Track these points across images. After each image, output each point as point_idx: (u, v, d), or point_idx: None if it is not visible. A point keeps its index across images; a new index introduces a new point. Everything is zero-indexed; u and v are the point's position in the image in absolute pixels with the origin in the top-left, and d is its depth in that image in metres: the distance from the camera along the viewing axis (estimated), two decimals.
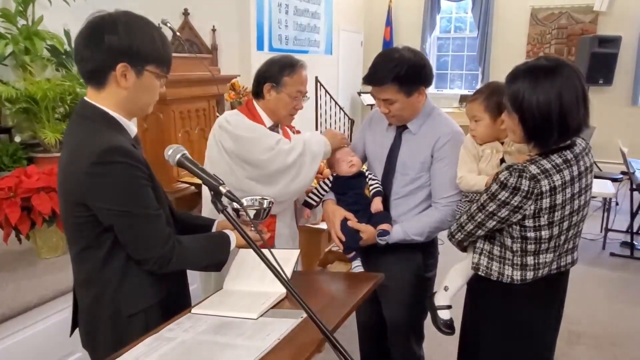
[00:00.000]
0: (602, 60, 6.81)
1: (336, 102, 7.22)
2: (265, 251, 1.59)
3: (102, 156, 1.22)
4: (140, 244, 1.30)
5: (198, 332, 1.24)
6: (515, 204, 1.47)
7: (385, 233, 1.82)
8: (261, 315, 1.30)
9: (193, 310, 1.37)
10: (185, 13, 5.82)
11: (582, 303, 3.61)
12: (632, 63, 7.23)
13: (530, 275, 1.58)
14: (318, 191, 2.02)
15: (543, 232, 1.52)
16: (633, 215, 4.58)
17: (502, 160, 1.77)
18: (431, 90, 9.27)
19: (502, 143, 1.82)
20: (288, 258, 1.52)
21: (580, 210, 1.59)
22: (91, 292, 1.37)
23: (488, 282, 1.63)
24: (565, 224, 1.55)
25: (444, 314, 1.80)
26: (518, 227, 1.53)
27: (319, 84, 6.75)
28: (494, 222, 1.54)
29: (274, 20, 6.30)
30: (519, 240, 1.55)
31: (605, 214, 4.80)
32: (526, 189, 1.44)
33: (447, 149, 1.85)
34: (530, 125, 1.47)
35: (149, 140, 3.53)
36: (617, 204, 5.35)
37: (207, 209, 1.99)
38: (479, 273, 1.64)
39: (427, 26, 8.47)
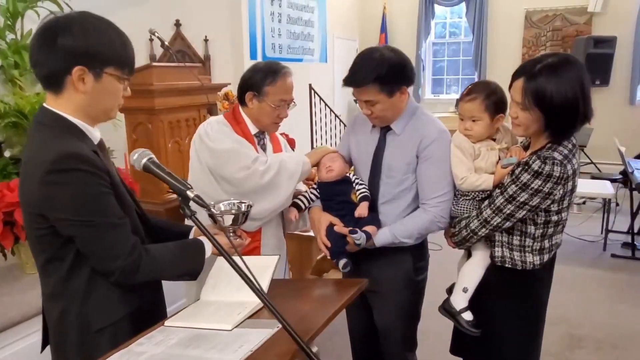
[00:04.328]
0: (598, 61, 6.77)
1: (331, 110, 7.19)
2: (237, 259, 1.56)
3: (57, 164, 1.17)
4: (103, 255, 1.25)
5: (169, 346, 1.19)
6: (547, 190, 1.54)
7: (354, 232, 1.76)
8: (236, 326, 1.24)
9: (166, 323, 1.32)
10: (177, 24, 5.82)
11: (583, 306, 3.54)
12: (628, 63, 7.19)
13: (546, 257, 1.68)
14: (308, 195, 1.97)
15: (563, 214, 1.64)
16: (633, 216, 4.51)
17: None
18: (428, 95, 9.29)
19: (493, 140, 1.80)
20: (267, 265, 1.47)
21: (576, 187, 1.67)
22: (58, 306, 1.31)
23: (507, 272, 1.68)
24: (572, 203, 1.68)
25: (467, 316, 1.77)
26: (543, 213, 1.61)
27: (312, 92, 6.72)
28: (524, 212, 1.59)
29: (267, 29, 6.29)
30: (542, 225, 1.63)
31: (605, 215, 4.73)
32: (557, 174, 1.52)
33: (433, 149, 1.80)
34: (558, 119, 1.54)
35: None
36: (617, 204, 5.29)
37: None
38: (506, 265, 1.68)
39: (422, 32, 8.46)
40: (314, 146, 6.73)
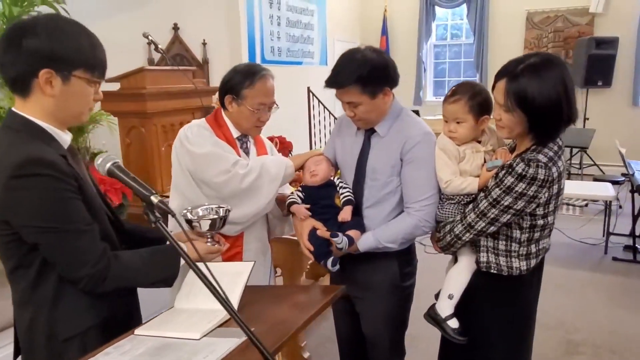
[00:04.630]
0: (600, 62, 6.71)
1: (331, 113, 7.16)
2: (212, 265, 1.52)
3: (20, 169, 1.14)
4: (69, 262, 1.22)
5: (135, 356, 1.15)
6: (532, 193, 1.50)
7: (336, 234, 1.72)
8: (205, 335, 1.21)
9: (137, 331, 1.28)
10: (175, 28, 5.81)
11: (582, 310, 3.48)
12: (630, 63, 7.12)
13: (533, 262, 1.64)
14: (295, 197, 1.93)
15: (549, 218, 1.59)
16: (635, 218, 4.44)
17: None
18: (429, 97, 9.25)
19: (479, 142, 1.76)
20: (241, 272, 1.43)
21: (563, 190, 1.63)
22: (27, 314, 1.28)
23: (493, 277, 1.64)
24: (558, 207, 1.62)
25: (453, 323, 1.72)
26: (529, 217, 1.57)
27: (311, 95, 6.69)
28: (509, 216, 1.54)
29: (266, 32, 6.27)
30: (528, 230, 1.59)
31: (607, 218, 4.65)
32: (542, 177, 1.48)
33: (417, 151, 1.75)
34: (541, 121, 1.50)
35: (133, 155, 3.47)
36: (620, 207, 5.21)
37: (171, 222, 1.90)
38: (491, 271, 1.63)
39: (423, 34, 8.42)
40: (312, 150, 6.69)
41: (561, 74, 1.48)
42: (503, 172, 1.53)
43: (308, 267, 3.04)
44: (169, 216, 1.97)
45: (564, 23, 7.47)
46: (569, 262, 4.27)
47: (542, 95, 1.46)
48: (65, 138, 1.31)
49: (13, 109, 1.27)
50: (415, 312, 1.99)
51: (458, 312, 1.71)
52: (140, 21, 4.96)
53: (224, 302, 1.05)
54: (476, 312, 1.70)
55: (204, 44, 5.82)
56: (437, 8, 8.42)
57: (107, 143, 4.44)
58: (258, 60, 6.09)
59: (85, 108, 1.32)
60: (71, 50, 1.23)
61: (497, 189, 1.53)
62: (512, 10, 7.75)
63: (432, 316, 1.75)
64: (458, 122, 1.70)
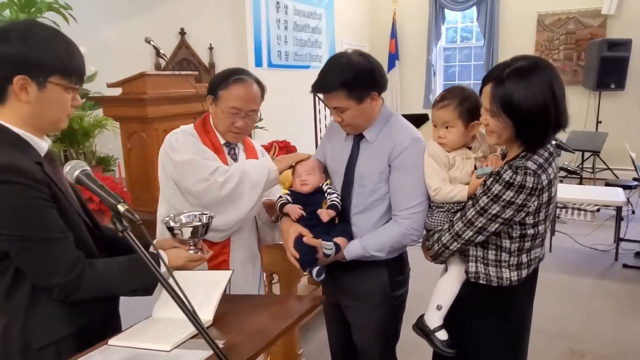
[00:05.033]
0: (612, 65, 6.58)
1: None
2: (191, 273, 1.50)
3: None
4: (40, 270, 1.21)
5: None
6: (520, 202, 1.45)
7: (328, 239, 1.69)
8: (176, 347, 1.19)
9: (110, 341, 1.26)
10: (182, 32, 5.83)
11: (588, 319, 3.39)
12: None
13: (524, 273, 1.58)
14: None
15: (540, 227, 1.54)
16: None
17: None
18: None
19: (469, 148, 1.72)
20: (218, 281, 1.41)
21: (555, 198, 1.59)
22: (2, 322, 1.27)
23: (482, 287, 1.59)
24: (551, 215, 1.57)
25: (441, 335, 1.68)
26: (518, 226, 1.52)
27: (317, 99, 6.66)
28: (497, 225, 1.50)
29: (273, 36, 6.27)
30: (518, 239, 1.54)
31: (617, 223, 4.54)
32: (531, 185, 1.44)
33: (404, 157, 1.72)
34: (528, 127, 1.45)
35: (134, 160, 3.48)
36: (632, 212, 5.09)
37: (159, 229, 1.89)
38: (480, 281, 1.58)
39: (432, 37, 8.35)
40: None
41: (549, 78, 1.44)
42: (491, 179, 1.49)
43: (305, 273, 3.01)
44: (157, 222, 1.97)
45: (575, 25, 7.34)
46: (578, 268, 4.18)
47: (527, 100, 1.41)
48: (42, 145, 1.30)
49: None
50: (412, 320, 1.94)
51: (447, 324, 1.66)
52: (146, 26, 4.99)
53: (190, 314, 1.03)
54: (465, 324, 1.65)
55: (211, 48, 5.83)
56: (446, 11, 8.34)
57: (113, 148, 4.47)
58: (264, 65, 6.09)
59: (62, 114, 1.31)
60: (46, 57, 1.22)
61: (484, 197, 1.49)
62: (523, 12, 7.64)
63: (420, 327, 1.70)
64: (447, 128, 1.67)
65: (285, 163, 1.88)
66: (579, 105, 6.87)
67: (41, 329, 1.26)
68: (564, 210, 5.63)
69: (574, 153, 6.01)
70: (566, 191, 4.79)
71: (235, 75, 1.80)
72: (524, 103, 1.41)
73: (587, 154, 6.58)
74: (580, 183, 6.30)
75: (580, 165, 6.59)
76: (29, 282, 1.24)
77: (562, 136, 6.03)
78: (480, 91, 1.53)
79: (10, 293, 1.24)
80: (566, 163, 6.04)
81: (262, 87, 1.88)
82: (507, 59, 1.52)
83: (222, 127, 1.84)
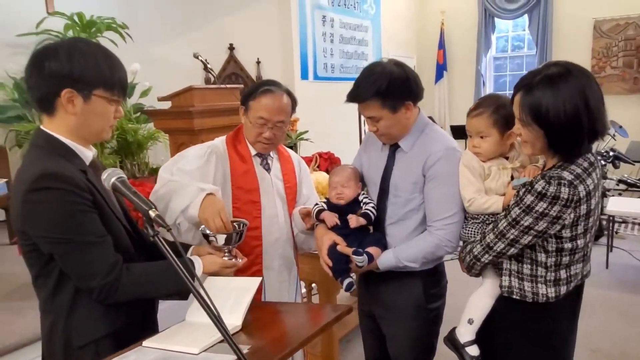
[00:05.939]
0: None
1: None
2: (221, 279, 1.53)
3: (36, 183, 1.22)
4: (80, 272, 1.27)
5: None
6: (554, 214, 1.38)
7: (359, 252, 1.67)
8: (204, 350, 1.22)
9: (144, 343, 1.31)
10: (231, 47, 6.02)
11: (637, 339, 3.18)
12: None
13: (563, 289, 1.49)
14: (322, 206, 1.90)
15: (579, 241, 1.45)
16: None
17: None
18: None
19: (506, 158, 1.67)
20: (247, 288, 1.43)
21: (597, 211, 1.50)
22: (47, 321, 1.36)
23: (517, 303, 1.51)
24: (592, 229, 1.48)
25: (472, 350, 1.62)
26: (554, 240, 1.44)
27: None
28: (530, 237, 1.43)
29: (319, 49, 6.35)
30: (554, 253, 1.46)
31: None
32: (566, 196, 1.36)
33: (439, 168, 1.69)
34: (559, 136, 1.39)
35: None
36: None
37: (197, 235, 1.94)
38: (513, 296, 1.51)
39: (482, 46, 8.19)
40: None
41: (581, 85, 1.36)
42: (523, 190, 1.42)
43: None
44: (194, 229, 2.01)
45: (635, 30, 7.00)
46: (637, 287, 3.93)
47: (556, 108, 1.35)
48: (87, 154, 1.39)
49: (41, 126, 1.36)
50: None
51: (480, 339, 1.61)
52: (198, 42, 5.19)
53: (215, 319, 1.06)
54: (498, 341, 1.58)
55: (258, 62, 5.98)
56: (496, 20, 8.17)
57: (165, 159, 4.65)
58: (310, 78, 6.17)
59: (106, 125, 1.39)
60: (90, 71, 1.30)
61: (516, 208, 1.43)
62: (578, 19, 7.35)
63: (451, 340, 1.66)
64: (482, 137, 1.63)
65: (207, 212, 1.61)
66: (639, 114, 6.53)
67: (82, 329, 1.32)
68: (622, 225, 5.34)
69: (634, 164, 5.70)
70: (625, 205, 4.55)
71: (264, 86, 1.83)
72: (553, 111, 1.35)
73: None
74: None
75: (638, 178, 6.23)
76: (72, 283, 1.31)
77: (621, 146, 5.74)
78: (512, 99, 1.48)
79: (56, 293, 1.32)
80: (625, 175, 5.73)
81: (293, 99, 1.89)
82: (539, 66, 1.47)
83: (251, 138, 1.87)
